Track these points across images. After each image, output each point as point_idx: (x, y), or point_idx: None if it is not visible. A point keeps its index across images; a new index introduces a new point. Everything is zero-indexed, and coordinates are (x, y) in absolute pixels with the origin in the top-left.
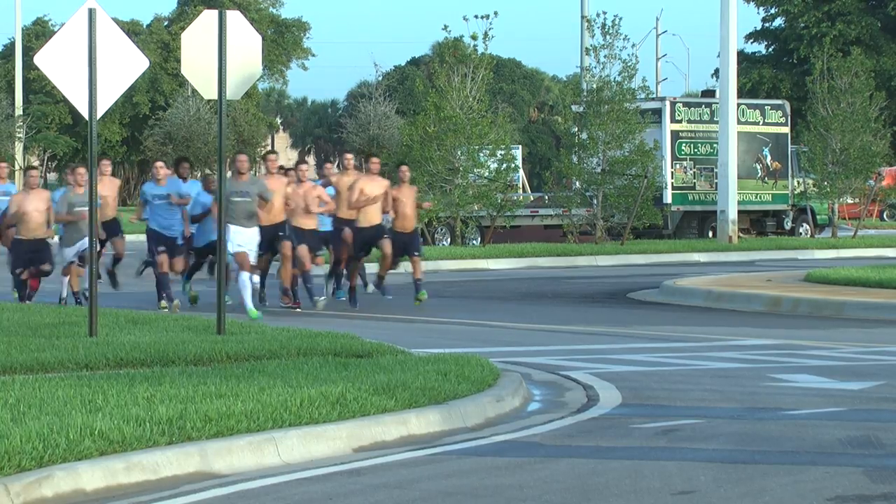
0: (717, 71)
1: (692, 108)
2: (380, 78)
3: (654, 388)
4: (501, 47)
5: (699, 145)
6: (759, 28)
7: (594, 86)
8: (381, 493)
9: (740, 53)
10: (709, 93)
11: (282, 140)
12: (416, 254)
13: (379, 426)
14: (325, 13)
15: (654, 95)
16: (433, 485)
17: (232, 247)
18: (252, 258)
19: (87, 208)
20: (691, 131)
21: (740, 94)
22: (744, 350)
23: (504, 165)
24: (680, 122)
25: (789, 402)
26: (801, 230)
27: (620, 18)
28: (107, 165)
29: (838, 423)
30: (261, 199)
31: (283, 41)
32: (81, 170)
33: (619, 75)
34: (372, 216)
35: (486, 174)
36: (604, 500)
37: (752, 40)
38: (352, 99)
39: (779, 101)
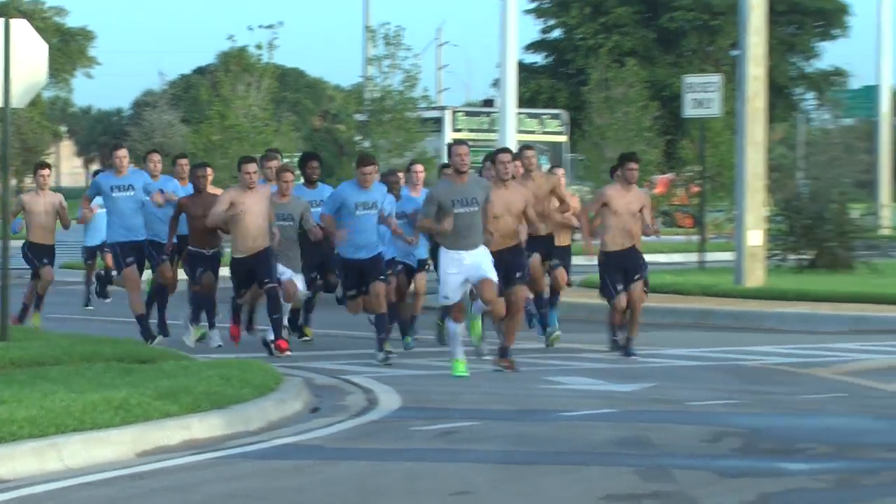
0: (497, 81)
1: (472, 118)
2: (165, 87)
3: (433, 391)
4: (286, 57)
5: (479, 154)
6: (538, 39)
7: (377, 95)
8: (163, 496)
9: (520, 64)
10: (489, 102)
11: (66, 148)
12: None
13: (162, 431)
14: (110, 22)
15: (436, 105)
16: (215, 488)
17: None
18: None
19: (287, 223)
20: (472, 140)
21: (520, 104)
22: (519, 354)
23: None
24: (460, 131)
25: (564, 404)
26: (576, 236)
27: (403, 29)
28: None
29: (611, 423)
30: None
31: (68, 49)
32: (289, 175)
33: (401, 85)
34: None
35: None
36: (383, 501)
37: (531, 51)
38: (137, 107)
39: (557, 111)
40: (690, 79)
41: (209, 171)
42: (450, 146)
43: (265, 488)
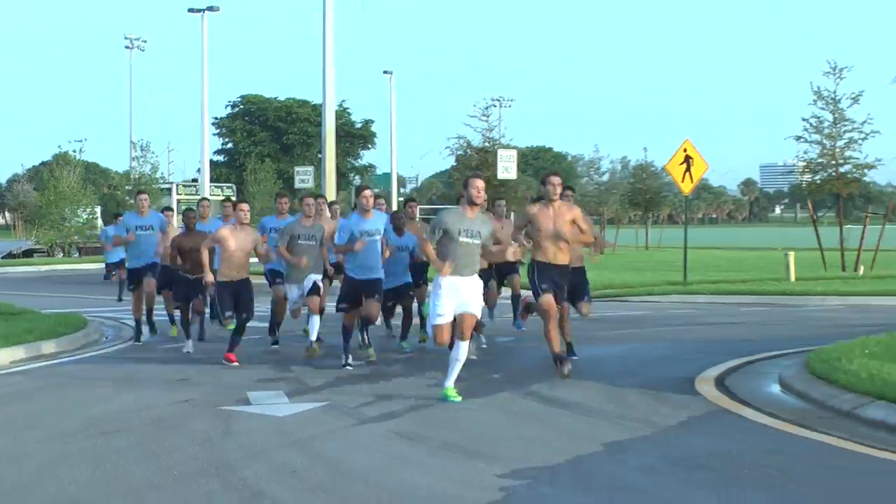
0: (199, 168)
1: (187, 188)
2: (25, 172)
3: (127, 329)
4: (89, 156)
5: (193, 204)
6: (220, 148)
7: (137, 176)
8: (25, 383)
9: (211, 161)
10: (195, 180)
11: None
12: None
13: (25, 349)
14: None
15: (168, 181)
16: (53, 378)
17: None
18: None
19: (312, 243)
20: (184, 200)
21: (211, 181)
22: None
23: (90, 216)
24: (181, 194)
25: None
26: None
27: (149, 142)
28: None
29: (250, 347)
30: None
31: None
32: (309, 200)
33: (150, 171)
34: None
35: (82, 221)
36: (141, 382)
37: (216, 154)
38: (9, 182)
39: (230, 184)
40: (298, 168)
41: (197, 213)
42: (469, 178)
43: (79, 375)
